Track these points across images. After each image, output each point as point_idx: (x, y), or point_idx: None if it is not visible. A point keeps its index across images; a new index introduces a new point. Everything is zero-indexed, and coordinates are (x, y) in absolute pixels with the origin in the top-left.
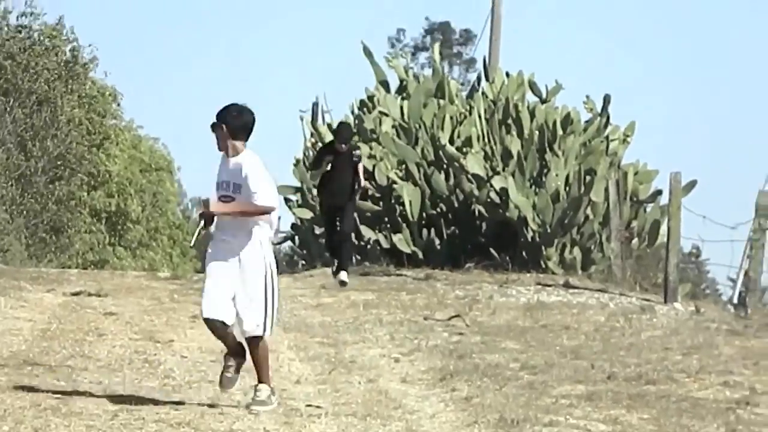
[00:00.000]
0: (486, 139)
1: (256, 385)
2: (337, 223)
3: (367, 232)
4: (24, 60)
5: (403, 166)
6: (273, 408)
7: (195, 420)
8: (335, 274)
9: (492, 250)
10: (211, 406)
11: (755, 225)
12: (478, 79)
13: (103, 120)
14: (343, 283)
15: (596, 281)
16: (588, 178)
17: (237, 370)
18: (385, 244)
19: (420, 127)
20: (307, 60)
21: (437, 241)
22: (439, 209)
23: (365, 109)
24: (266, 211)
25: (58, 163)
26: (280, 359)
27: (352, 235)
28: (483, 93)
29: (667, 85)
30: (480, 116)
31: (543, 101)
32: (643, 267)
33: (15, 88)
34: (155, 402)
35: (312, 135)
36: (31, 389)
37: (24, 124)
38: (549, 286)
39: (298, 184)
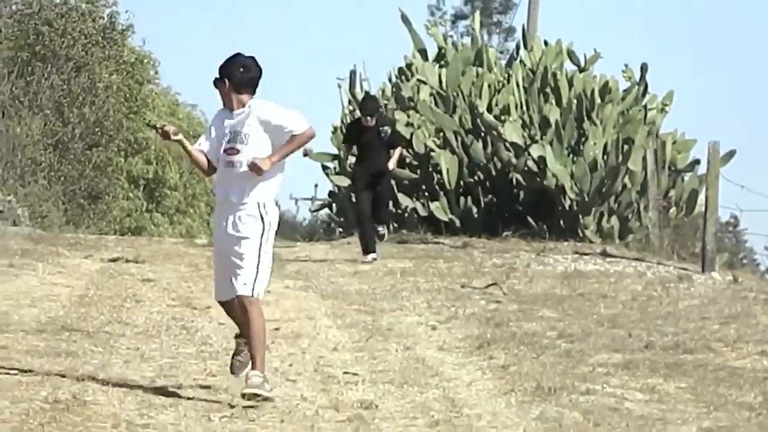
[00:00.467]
0: (524, 108)
1: (247, 373)
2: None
3: (404, 200)
4: (61, 26)
5: (441, 134)
6: (269, 394)
7: (232, 386)
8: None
9: (529, 219)
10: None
11: None
12: (517, 47)
13: (140, 86)
14: (381, 237)
15: (634, 250)
16: (626, 147)
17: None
18: (423, 212)
19: (458, 95)
20: (345, 27)
21: (474, 209)
22: (476, 177)
23: (403, 77)
24: (311, 135)
25: (96, 129)
26: (317, 326)
27: (390, 195)
28: (521, 61)
29: (707, 54)
30: (518, 85)
31: (581, 70)
32: (681, 236)
33: (53, 54)
34: (192, 368)
35: (350, 103)
36: (68, 355)
37: (61, 90)
38: (586, 254)
39: (336, 152)
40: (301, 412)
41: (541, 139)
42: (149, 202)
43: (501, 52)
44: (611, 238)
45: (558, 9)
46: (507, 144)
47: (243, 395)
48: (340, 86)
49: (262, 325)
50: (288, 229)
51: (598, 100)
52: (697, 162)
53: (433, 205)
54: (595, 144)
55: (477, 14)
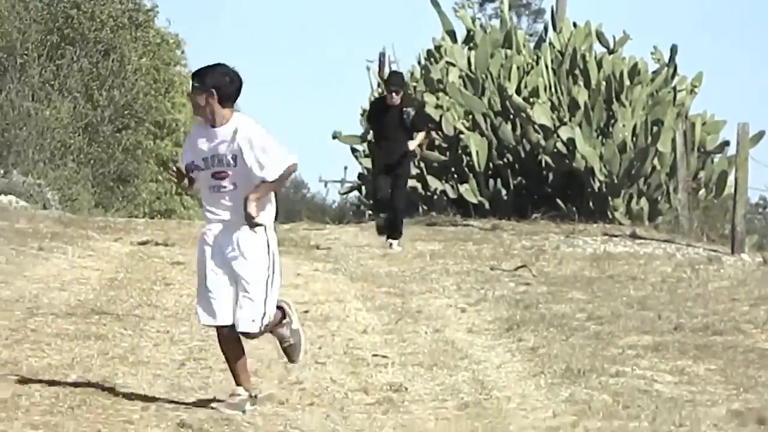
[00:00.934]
0: (553, 90)
1: (234, 389)
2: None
3: (433, 183)
4: (89, 9)
5: (470, 116)
6: (242, 414)
7: (262, 369)
8: (383, 233)
9: (559, 201)
10: (279, 354)
11: None
12: (545, 29)
13: (168, 68)
14: (391, 246)
15: (663, 232)
16: (655, 128)
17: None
18: (452, 195)
19: (487, 77)
20: (374, 9)
21: (504, 192)
22: (505, 159)
23: (432, 60)
24: (293, 170)
25: (125, 112)
26: (346, 309)
27: (404, 211)
28: (550, 43)
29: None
30: (547, 66)
31: (610, 51)
32: (710, 218)
33: (82, 38)
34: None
35: (378, 85)
36: (98, 338)
37: (90, 73)
38: (616, 236)
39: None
40: (330, 395)
41: (570, 121)
42: (178, 185)
43: (530, 34)
44: (640, 219)
45: None
46: (536, 126)
47: (214, 407)
48: (369, 69)
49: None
50: (317, 212)
51: (627, 82)
52: (726, 143)
53: (463, 188)
54: (624, 126)
55: None
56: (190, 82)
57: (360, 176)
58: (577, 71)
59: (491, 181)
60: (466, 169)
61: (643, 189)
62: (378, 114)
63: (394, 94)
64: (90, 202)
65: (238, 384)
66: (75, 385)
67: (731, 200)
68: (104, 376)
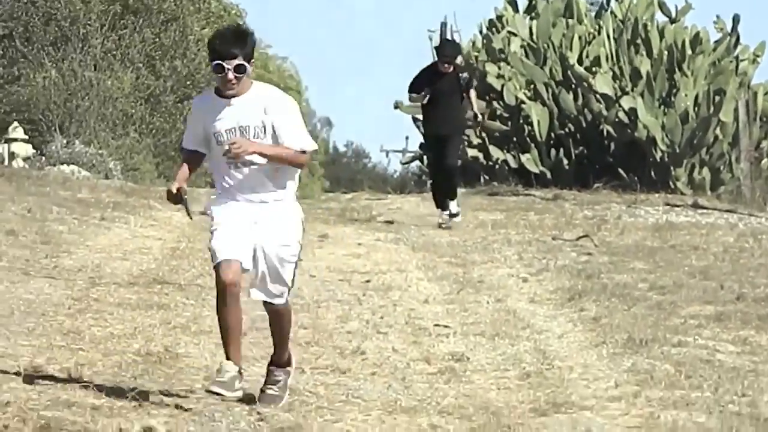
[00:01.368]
0: (615, 59)
1: (269, 369)
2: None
3: (495, 152)
4: None
5: (532, 86)
6: (231, 394)
7: (323, 339)
8: (443, 218)
9: (620, 170)
10: (341, 324)
11: None
12: None
13: None
14: (452, 216)
15: (725, 202)
16: (717, 98)
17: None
18: (514, 164)
19: (548, 46)
20: None
21: (565, 161)
22: (567, 129)
23: (494, 29)
24: (304, 161)
25: (187, 82)
26: (408, 279)
27: (458, 169)
28: (612, 13)
29: None
30: (609, 36)
31: (672, 21)
32: None
33: (145, 8)
34: None
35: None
36: (160, 307)
37: (153, 43)
38: (677, 206)
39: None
40: (392, 365)
41: (632, 90)
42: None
43: (591, 3)
44: (702, 189)
45: None
46: (598, 96)
47: (259, 399)
48: (431, 38)
49: (291, 319)
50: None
51: (689, 52)
52: None
53: (524, 157)
54: (686, 95)
55: None
56: (225, 52)
57: (421, 146)
58: (638, 41)
59: (553, 151)
60: (527, 138)
61: (705, 159)
62: (427, 80)
63: (446, 64)
64: (152, 172)
65: (228, 357)
66: (138, 354)
67: None
68: (166, 345)
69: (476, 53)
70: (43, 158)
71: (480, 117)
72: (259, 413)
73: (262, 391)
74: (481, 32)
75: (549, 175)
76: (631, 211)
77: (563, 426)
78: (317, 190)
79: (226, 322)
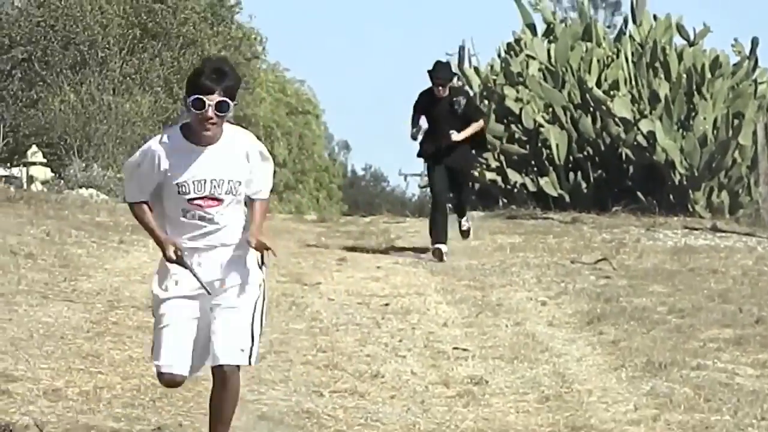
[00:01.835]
0: (633, 83)
1: None
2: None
3: (513, 176)
4: (173, 3)
5: (550, 109)
6: None
7: (342, 363)
8: (463, 224)
9: (639, 194)
10: (359, 347)
11: None
12: (625, 22)
13: (249, 63)
14: (466, 234)
15: (744, 225)
16: (736, 121)
17: None
18: (532, 188)
19: (567, 70)
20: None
21: (584, 185)
22: (585, 152)
23: (512, 53)
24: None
25: None
26: (427, 302)
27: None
28: (630, 36)
29: None
30: (627, 59)
31: (691, 44)
32: None
33: (163, 32)
34: (302, 344)
35: (459, 79)
36: None
37: (171, 66)
38: (696, 229)
39: None
40: (411, 388)
41: (651, 113)
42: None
43: (608, 27)
44: (721, 212)
45: None
46: (616, 119)
47: None
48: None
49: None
50: (397, 205)
51: (708, 75)
52: None
53: (543, 181)
54: (704, 119)
55: None
56: (206, 87)
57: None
58: (657, 64)
59: (571, 174)
60: (546, 162)
61: (723, 182)
62: (425, 105)
63: (440, 87)
64: None
65: None
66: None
67: None
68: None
69: (495, 77)
70: (62, 182)
71: (454, 137)
72: None
73: None
74: (499, 56)
75: (567, 199)
76: (650, 235)
77: None
78: (336, 213)
79: (217, 408)
